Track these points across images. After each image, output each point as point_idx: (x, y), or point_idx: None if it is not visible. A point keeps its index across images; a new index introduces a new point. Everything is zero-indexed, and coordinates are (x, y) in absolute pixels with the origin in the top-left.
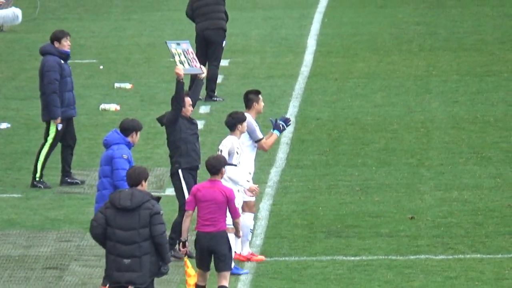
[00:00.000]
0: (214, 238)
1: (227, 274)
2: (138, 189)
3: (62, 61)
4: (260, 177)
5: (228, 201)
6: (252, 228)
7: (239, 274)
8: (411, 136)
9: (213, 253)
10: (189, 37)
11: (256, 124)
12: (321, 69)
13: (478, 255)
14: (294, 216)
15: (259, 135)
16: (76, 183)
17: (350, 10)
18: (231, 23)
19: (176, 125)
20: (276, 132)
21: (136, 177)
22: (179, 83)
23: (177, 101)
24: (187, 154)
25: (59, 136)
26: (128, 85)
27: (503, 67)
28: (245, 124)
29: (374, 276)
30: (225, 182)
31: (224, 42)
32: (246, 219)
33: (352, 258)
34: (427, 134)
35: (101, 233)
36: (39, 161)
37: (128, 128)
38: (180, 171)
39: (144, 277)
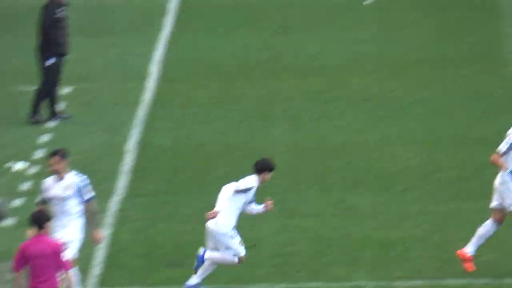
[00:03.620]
0: None
1: None
2: None
3: None
4: (100, 206)
5: (56, 254)
6: None
7: None
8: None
9: None
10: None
11: None
12: (164, 96)
13: (319, 284)
14: (134, 245)
15: None
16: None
17: (195, 35)
18: (74, 50)
19: None
20: None
21: None
22: None
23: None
24: None
25: None
26: None
27: (346, 91)
28: (269, 176)
29: None
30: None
31: (50, 61)
32: None
33: None
34: None
35: None
36: None
37: None
38: None
39: None
